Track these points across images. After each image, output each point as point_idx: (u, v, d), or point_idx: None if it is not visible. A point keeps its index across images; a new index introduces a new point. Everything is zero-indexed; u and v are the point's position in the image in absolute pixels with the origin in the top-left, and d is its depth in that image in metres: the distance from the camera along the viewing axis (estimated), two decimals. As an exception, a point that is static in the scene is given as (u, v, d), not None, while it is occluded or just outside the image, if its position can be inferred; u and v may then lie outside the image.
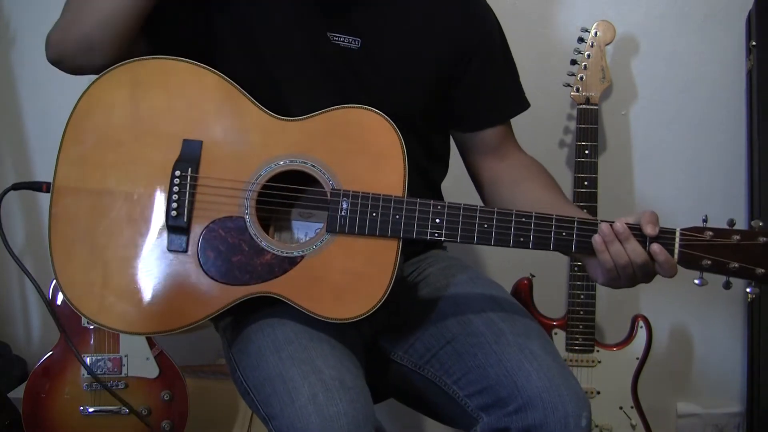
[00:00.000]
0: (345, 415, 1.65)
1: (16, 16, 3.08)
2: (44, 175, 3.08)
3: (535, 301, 2.87)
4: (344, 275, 1.78)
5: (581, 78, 2.76)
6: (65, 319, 2.62)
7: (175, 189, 1.82)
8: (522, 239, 1.76)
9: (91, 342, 2.66)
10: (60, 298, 2.63)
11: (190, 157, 1.84)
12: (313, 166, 1.82)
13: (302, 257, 1.79)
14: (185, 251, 1.82)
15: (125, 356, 2.67)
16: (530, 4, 3.00)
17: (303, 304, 1.77)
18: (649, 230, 1.70)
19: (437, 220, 1.77)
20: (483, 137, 2.12)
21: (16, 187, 2.00)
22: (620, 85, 2.99)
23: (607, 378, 2.83)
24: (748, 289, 1.75)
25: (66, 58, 1.91)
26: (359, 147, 1.82)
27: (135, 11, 1.85)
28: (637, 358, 2.83)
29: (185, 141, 1.84)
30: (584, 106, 2.76)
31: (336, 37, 1.95)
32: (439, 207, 1.77)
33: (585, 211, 2.55)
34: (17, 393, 2.88)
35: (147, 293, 1.82)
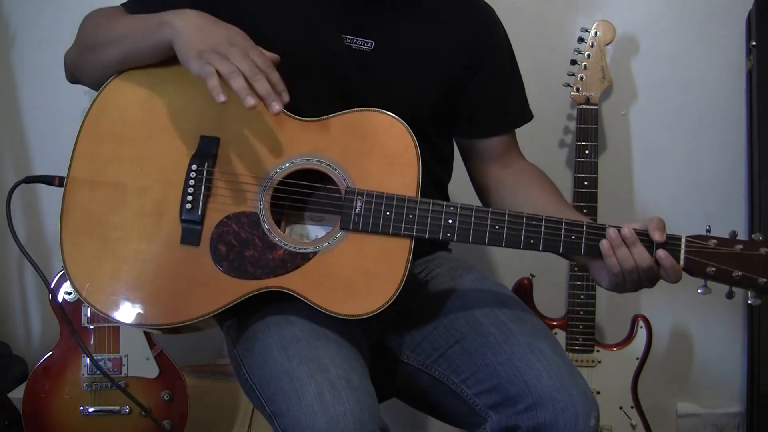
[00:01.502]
0: (351, 414, 1.65)
1: (16, 16, 3.07)
2: (43, 173, 3.08)
3: (535, 301, 2.87)
4: (356, 272, 1.78)
5: (581, 78, 2.77)
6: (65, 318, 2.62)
7: (191, 183, 1.84)
8: (532, 241, 1.78)
9: (91, 342, 2.66)
10: (61, 297, 2.63)
11: (206, 152, 1.86)
12: (329, 165, 1.83)
13: (315, 253, 1.80)
14: (197, 245, 1.83)
15: (125, 356, 2.66)
16: (530, 4, 3.01)
17: (314, 299, 1.78)
18: (657, 236, 1.73)
19: (450, 221, 1.79)
20: (488, 145, 2.14)
21: (28, 180, 2.01)
22: (620, 85, 2.99)
23: (607, 378, 2.83)
24: (749, 301, 1.76)
25: (81, 83, 2.03)
26: (374, 148, 1.84)
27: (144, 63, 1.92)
28: (637, 358, 2.84)
29: (202, 137, 1.87)
30: (584, 106, 2.76)
31: (349, 39, 1.98)
32: (451, 208, 1.79)
33: (585, 211, 2.57)
34: (17, 393, 2.87)
35: (157, 286, 1.82)
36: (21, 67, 3.09)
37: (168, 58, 1.88)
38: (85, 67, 2.00)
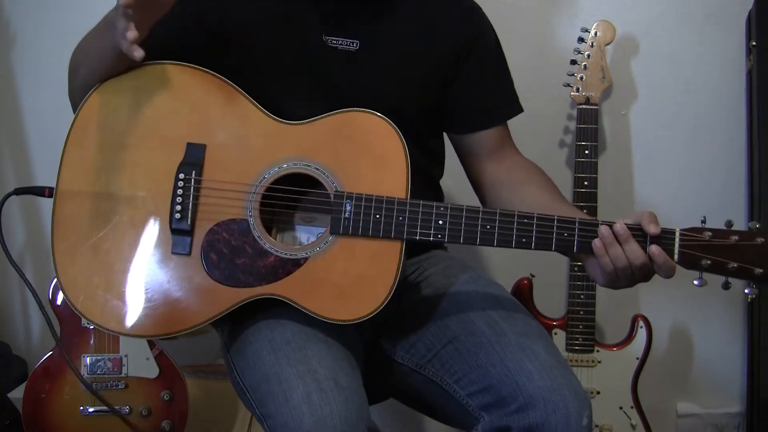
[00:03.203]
0: (338, 415, 1.66)
1: (16, 16, 3.08)
2: (44, 174, 3.09)
3: (535, 301, 2.87)
4: (348, 277, 1.78)
5: (581, 78, 2.76)
6: (65, 319, 2.62)
7: (179, 192, 1.83)
8: (524, 240, 1.77)
9: (91, 342, 2.66)
10: (60, 298, 2.63)
11: (193, 160, 1.85)
12: (317, 169, 1.83)
13: (306, 259, 1.80)
14: (188, 254, 1.83)
15: (125, 356, 2.66)
16: (530, 3, 3.00)
17: (307, 305, 1.78)
18: (652, 229, 1.71)
19: (440, 222, 1.78)
20: (481, 139, 2.14)
21: (18, 192, 2.01)
22: (620, 85, 2.98)
23: (607, 378, 2.83)
24: (746, 290, 1.76)
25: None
26: (362, 150, 1.83)
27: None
28: (637, 358, 2.83)
29: (189, 144, 1.86)
30: (584, 106, 2.76)
31: (334, 40, 1.98)
32: (441, 208, 1.78)
33: (585, 211, 2.56)
34: (17, 393, 2.87)
35: (151, 296, 1.82)
36: (21, 68, 3.11)
37: (150, 64, 1.89)
38: (75, 91, 1.99)
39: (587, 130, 2.75)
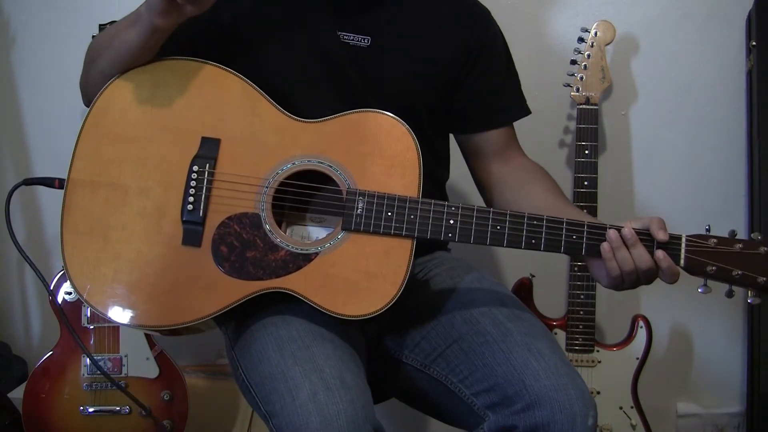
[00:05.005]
0: (345, 414, 1.65)
1: (16, 16, 3.07)
2: (44, 173, 3.07)
3: (535, 301, 2.87)
4: (358, 273, 1.79)
5: (581, 78, 2.76)
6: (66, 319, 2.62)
7: (192, 184, 1.85)
8: (534, 241, 1.79)
9: (91, 342, 2.66)
10: (60, 298, 2.63)
11: (208, 153, 1.86)
12: (330, 167, 1.84)
13: (317, 254, 1.80)
14: (199, 246, 1.83)
15: (125, 356, 2.67)
16: (530, 3, 3.01)
17: (316, 300, 1.78)
18: (661, 235, 1.73)
19: (451, 221, 1.79)
20: (487, 140, 2.15)
21: (27, 182, 2.00)
22: (620, 85, 2.99)
23: (607, 378, 2.83)
24: (749, 300, 1.77)
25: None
26: (375, 149, 1.85)
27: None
28: (637, 358, 2.83)
29: (203, 138, 1.87)
30: (584, 106, 2.76)
31: (346, 36, 2.00)
32: (453, 208, 1.79)
33: (585, 211, 2.56)
34: (17, 393, 2.88)
35: (158, 287, 1.83)
36: (21, 68, 3.09)
37: (167, 59, 1.91)
38: (89, 83, 2.00)
39: (587, 130, 2.75)
